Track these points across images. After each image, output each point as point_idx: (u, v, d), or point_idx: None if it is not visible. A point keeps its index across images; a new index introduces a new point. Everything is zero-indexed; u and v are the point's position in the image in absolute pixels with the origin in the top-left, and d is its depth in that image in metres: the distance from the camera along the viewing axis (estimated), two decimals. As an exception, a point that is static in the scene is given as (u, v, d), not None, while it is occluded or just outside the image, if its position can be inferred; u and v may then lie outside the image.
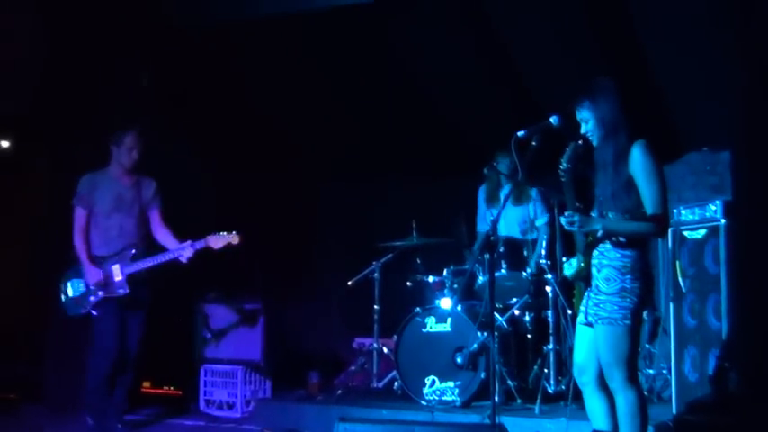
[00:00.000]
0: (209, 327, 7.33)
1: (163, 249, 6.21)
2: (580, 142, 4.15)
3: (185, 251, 6.03)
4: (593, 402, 4.22)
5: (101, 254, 6.15)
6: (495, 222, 5.79)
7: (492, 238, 6.20)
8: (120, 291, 6.05)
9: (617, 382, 4.01)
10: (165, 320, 7.30)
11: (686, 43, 6.04)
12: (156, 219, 6.32)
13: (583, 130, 4.16)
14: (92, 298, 6.08)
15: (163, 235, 6.29)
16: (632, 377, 4.02)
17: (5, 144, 6.49)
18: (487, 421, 4.79)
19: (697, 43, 6.02)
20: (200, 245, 6.03)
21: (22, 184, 7.66)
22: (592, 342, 4.13)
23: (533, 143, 4.42)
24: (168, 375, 7.63)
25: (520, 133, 4.39)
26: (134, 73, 7.46)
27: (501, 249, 6.33)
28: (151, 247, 6.30)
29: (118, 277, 6.06)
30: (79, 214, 6.18)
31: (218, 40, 7.34)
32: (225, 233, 6.02)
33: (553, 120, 4.39)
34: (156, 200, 6.34)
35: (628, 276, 3.99)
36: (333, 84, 7.68)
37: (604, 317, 4.00)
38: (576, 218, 4.00)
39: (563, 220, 4.06)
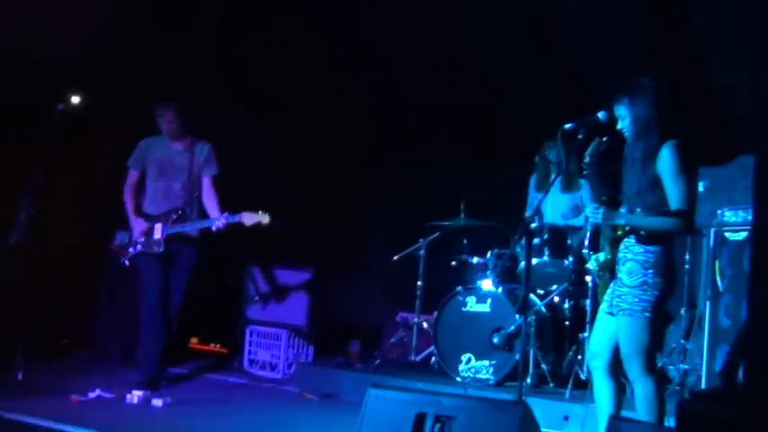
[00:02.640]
0: (259, 289, 7.50)
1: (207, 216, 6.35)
2: (605, 138, 4.24)
3: (218, 221, 6.14)
4: (601, 387, 4.34)
5: (149, 212, 6.41)
6: (537, 209, 5.90)
7: (534, 225, 6.36)
8: (156, 248, 6.28)
9: (635, 372, 4.11)
10: (216, 279, 7.58)
11: (743, 44, 6.03)
12: (206, 184, 6.44)
13: (619, 126, 4.23)
14: (131, 249, 6.36)
15: (208, 202, 6.40)
16: (650, 367, 4.12)
17: (76, 99, 6.65)
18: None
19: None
20: (232, 219, 6.10)
21: (92, 142, 7.93)
22: (609, 330, 4.25)
23: (579, 136, 4.45)
24: (216, 333, 7.90)
25: (567, 126, 4.44)
26: (202, 42, 7.67)
27: (545, 236, 6.45)
28: (203, 211, 6.43)
29: (157, 235, 6.30)
30: (131, 175, 6.52)
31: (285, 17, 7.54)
32: (260, 212, 6.06)
33: (600, 115, 4.40)
34: (208, 164, 6.46)
35: (650, 271, 4.07)
36: (389, 69, 7.83)
37: (625, 308, 4.10)
38: (601, 210, 4.12)
39: (588, 212, 4.18)
